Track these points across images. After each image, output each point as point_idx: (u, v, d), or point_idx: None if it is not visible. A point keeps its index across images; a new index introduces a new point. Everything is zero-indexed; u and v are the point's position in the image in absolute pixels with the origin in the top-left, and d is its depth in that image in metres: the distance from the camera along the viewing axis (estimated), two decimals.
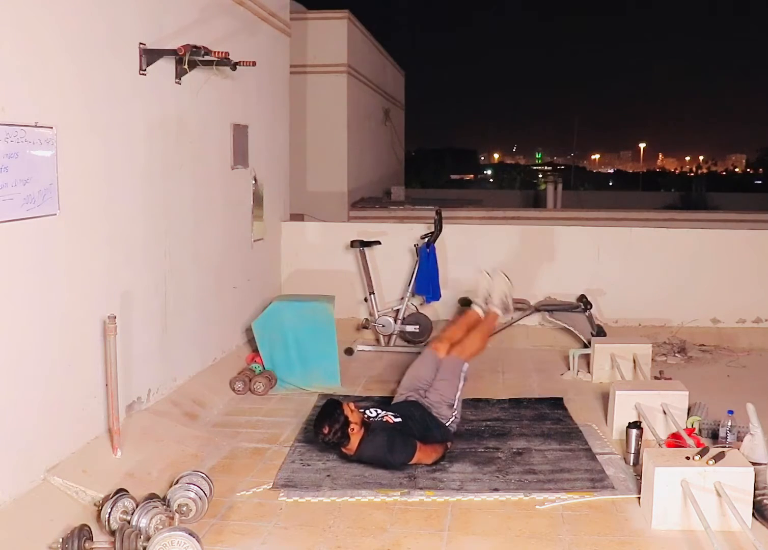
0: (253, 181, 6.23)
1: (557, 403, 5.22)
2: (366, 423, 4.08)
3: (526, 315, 6.79)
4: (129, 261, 4.26)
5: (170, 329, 4.78)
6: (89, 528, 3.13)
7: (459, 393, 4.50)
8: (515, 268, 7.02)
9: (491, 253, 7.10)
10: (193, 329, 5.14)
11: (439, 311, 6.98)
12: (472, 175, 54.68)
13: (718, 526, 3.29)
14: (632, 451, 4.10)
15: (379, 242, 6.96)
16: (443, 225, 6.73)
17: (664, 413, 4.40)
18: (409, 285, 6.78)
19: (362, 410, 4.23)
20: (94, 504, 3.44)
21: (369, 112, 12.61)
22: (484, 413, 5.01)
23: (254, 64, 4.97)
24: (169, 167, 4.71)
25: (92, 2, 3.81)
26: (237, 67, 4.75)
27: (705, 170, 57.22)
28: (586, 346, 6.29)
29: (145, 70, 4.31)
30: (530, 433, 4.62)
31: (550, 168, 55.87)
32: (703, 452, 3.43)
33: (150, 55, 4.31)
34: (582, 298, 6.60)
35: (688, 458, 3.44)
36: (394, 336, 6.75)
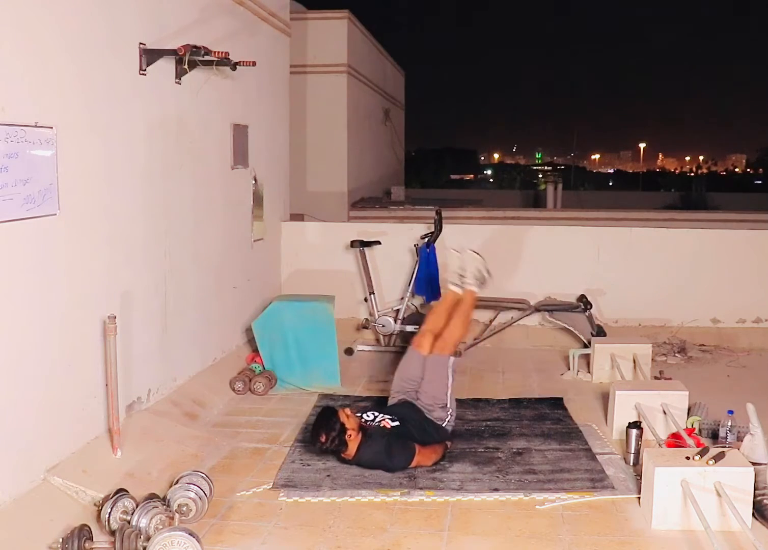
0: (253, 181, 6.23)
1: (557, 403, 5.22)
2: (363, 428, 4.08)
3: (526, 315, 6.79)
4: (129, 261, 4.26)
5: (170, 329, 4.78)
6: (89, 528, 3.13)
7: (450, 391, 4.45)
8: (515, 268, 7.06)
9: (491, 253, 7.09)
10: (193, 329, 5.14)
11: None
12: (472, 175, 54.69)
13: (718, 526, 3.29)
14: (632, 451, 4.10)
15: (379, 242, 6.96)
16: (443, 225, 6.72)
17: (664, 413, 4.40)
18: (409, 285, 6.78)
19: (359, 414, 4.23)
20: (94, 504, 3.44)
21: (369, 112, 12.61)
22: (484, 413, 5.01)
23: (254, 64, 4.97)
24: (169, 167, 4.71)
25: (92, 2, 3.81)
26: (237, 67, 4.75)
27: (705, 170, 57.18)
28: (586, 346, 6.29)
29: (145, 70, 4.31)
30: (530, 433, 4.62)
31: (550, 168, 55.91)
32: (703, 452, 3.43)
33: (150, 55, 4.31)
34: (582, 298, 6.60)
35: (688, 458, 3.44)
36: (394, 336, 6.75)
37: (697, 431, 4.33)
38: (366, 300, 6.90)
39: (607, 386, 5.01)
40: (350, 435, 3.96)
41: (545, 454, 4.28)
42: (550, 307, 6.72)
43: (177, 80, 4.73)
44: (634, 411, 4.47)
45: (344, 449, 3.98)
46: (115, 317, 3.78)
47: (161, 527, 3.18)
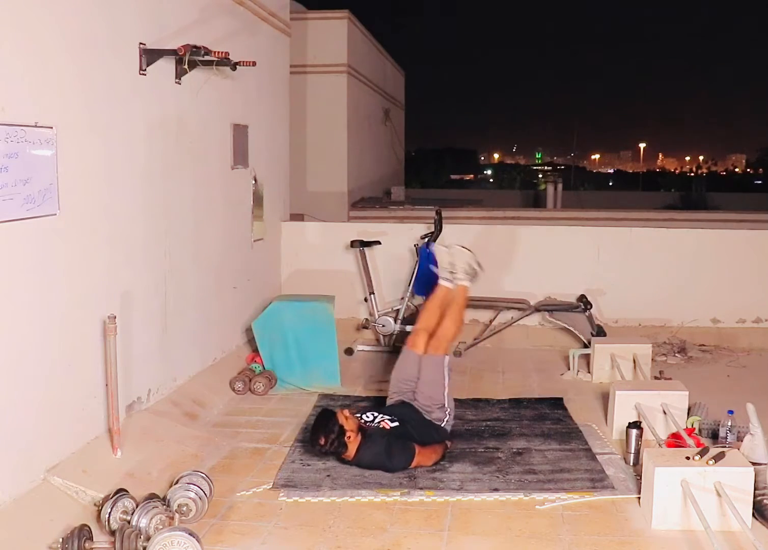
0: (253, 181, 6.23)
1: (557, 403, 5.22)
2: (363, 429, 4.07)
3: (526, 315, 6.79)
4: (129, 261, 4.26)
5: (170, 329, 4.78)
6: (89, 528, 3.13)
7: (447, 390, 4.42)
8: (515, 268, 7.06)
9: (491, 253, 7.11)
10: (193, 329, 5.14)
11: None
12: (472, 175, 54.69)
13: (718, 526, 3.29)
14: (632, 451, 4.10)
15: (379, 242, 6.96)
16: (443, 225, 6.72)
17: (664, 413, 4.40)
18: (409, 285, 6.78)
19: (358, 415, 4.23)
20: (94, 504, 3.44)
21: (369, 112, 12.61)
22: (484, 413, 5.01)
23: (254, 64, 4.97)
24: (169, 167, 4.71)
25: (92, 2, 3.81)
26: (237, 67, 4.75)
27: (705, 170, 57.13)
28: (586, 346, 6.30)
29: (145, 70, 4.31)
30: (530, 433, 4.62)
31: (550, 168, 55.92)
32: (703, 452, 3.43)
33: (150, 55, 4.31)
34: (582, 298, 6.60)
35: (688, 458, 3.44)
36: (394, 336, 6.75)
37: (697, 431, 4.33)
38: (366, 300, 6.90)
39: (607, 386, 5.01)
40: (349, 437, 3.96)
41: (545, 454, 4.28)
42: (550, 307, 6.72)
43: (177, 80, 4.73)
44: (634, 411, 4.47)
45: (344, 451, 3.98)
46: (115, 317, 3.78)
47: (161, 527, 3.18)
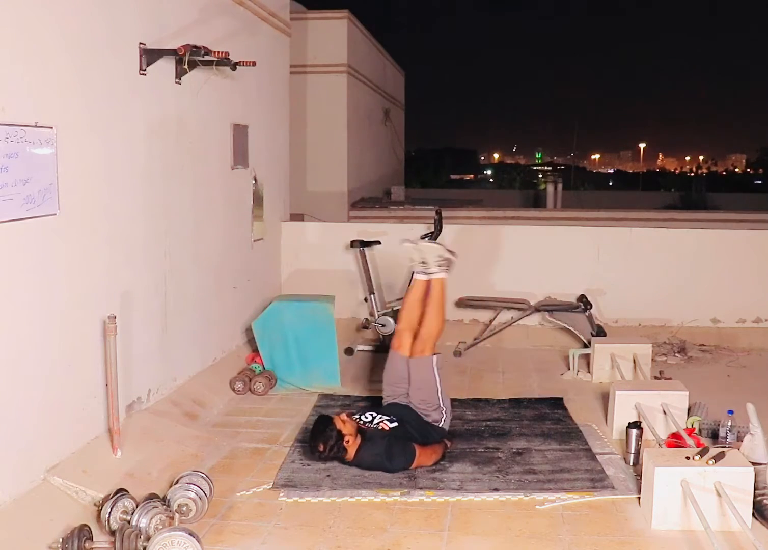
0: (253, 181, 6.23)
1: (557, 403, 5.22)
2: (362, 430, 4.07)
3: (526, 315, 6.80)
4: (129, 261, 4.26)
5: (170, 329, 4.78)
6: (89, 528, 3.13)
7: (440, 390, 4.39)
8: (515, 267, 7.06)
9: (491, 253, 7.12)
10: (193, 329, 5.14)
11: None
12: (472, 175, 54.67)
13: (718, 526, 3.29)
14: (632, 451, 4.10)
15: (379, 242, 6.95)
16: (443, 225, 6.72)
17: (664, 413, 4.40)
18: (409, 285, 6.76)
19: (356, 416, 4.23)
20: (94, 504, 3.45)
21: (369, 112, 12.61)
22: (484, 413, 5.01)
23: (254, 64, 4.97)
24: (169, 167, 4.71)
25: (92, 2, 3.81)
26: (237, 67, 4.75)
27: (705, 170, 57.06)
28: (586, 346, 6.30)
29: (145, 70, 4.31)
30: (530, 433, 4.62)
31: (550, 168, 55.85)
32: (703, 452, 3.43)
33: (150, 55, 4.31)
34: (582, 298, 6.60)
35: (688, 458, 3.44)
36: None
37: (697, 431, 4.33)
38: (366, 300, 6.90)
39: (607, 386, 5.01)
40: (348, 441, 3.95)
41: (545, 454, 4.28)
42: (550, 307, 6.72)
43: (177, 80, 4.73)
44: (634, 411, 4.47)
45: (344, 455, 3.98)
46: (115, 317, 3.78)
47: (161, 527, 3.18)
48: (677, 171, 63.44)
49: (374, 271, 6.96)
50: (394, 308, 6.81)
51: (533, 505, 3.64)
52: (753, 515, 3.37)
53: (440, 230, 6.71)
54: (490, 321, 6.93)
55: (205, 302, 5.34)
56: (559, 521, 3.49)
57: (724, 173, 59.03)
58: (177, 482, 3.48)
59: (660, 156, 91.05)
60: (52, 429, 3.56)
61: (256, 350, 5.80)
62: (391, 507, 3.62)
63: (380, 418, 4.22)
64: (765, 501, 3.44)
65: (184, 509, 3.38)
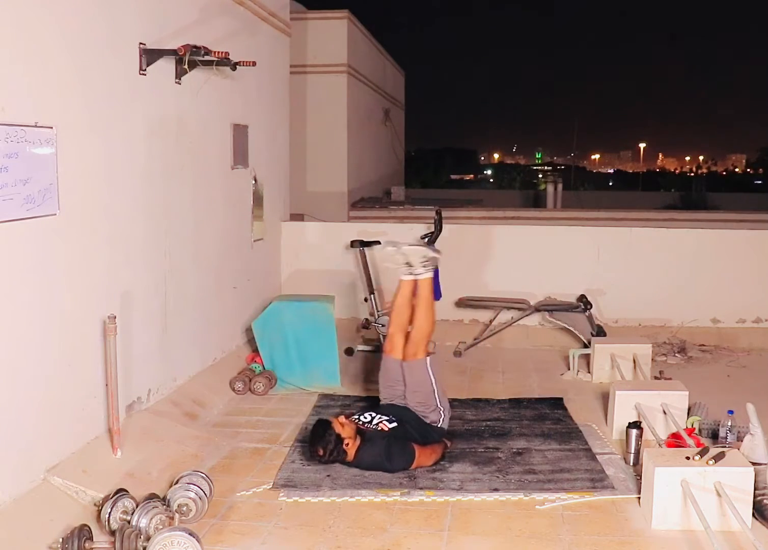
0: (253, 181, 6.23)
1: (557, 403, 5.22)
2: (361, 431, 4.07)
3: (526, 315, 6.79)
4: (129, 261, 4.26)
5: (170, 329, 4.78)
6: (89, 528, 3.13)
7: (436, 391, 4.36)
8: (515, 267, 7.07)
9: (491, 253, 7.12)
10: (193, 329, 5.14)
11: (439, 310, 6.95)
12: (472, 175, 54.67)
13: (718, 526, 3.29)
14: (632, 451, 4.10)
15: (379, 242, 6.93)
16: (443, 225, 6.72)
17: (664, 413, 4.40)
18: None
19: (355, 417, 4.23)
20: (94, 504, 3.45)
21: (369, 112, 12.61)
22: (484, 413, 5.01)
23: (254, 64, 4.97)
24: (169, 167, 4.71)
25: (92, 2, 3.81)
26: (237, 67, 4.75)
27: (705, 170, 57.07)
28: (586, 346, 6.29)
29: (145, 70, 4.31)
30: (530, 433, 4.62)
31: (550, 168, 55.84)
32: (703, 452, 3.43)
33: (150, 55, 4.31)
34: (582, 298, 6.60)
35: (688, 458, 3.44)
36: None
37: (697, 431, 4.33)
38: (366, 300, 6.89)
39: (607, 386, 5.01)
40: (347, 444, 3.96)
41: (545, 454, 4.28)
42: (550, 307, 6.72)
43: (177, 80, 4.73)
44: (634, 411, 4.47)
45: (344, 457, 3.98)
46: (115, 317, 3.78)
47: (161, 527, 3.18)
48: (677, 171, 63.44)
49: (374, 271, 6.95)
50: None
51: (533, 505, 3.64)
52: (753, 515, 3.37)
53: (440, 230, 6.71)
54: (490, 321, 6.93)
55: (205, 302, 5.34)
56: (559, 521, 3.49)
57: (724, 173, 59.04)
58: (177, 482, 3.48)
59: (660, 156, 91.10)
60: (52, 429, 3.56)
61: (256, 350, 5.80)
62: (391, 507, 3.62)
63: (379, 418, 4.22)
64: (765, 501, 3.44)
65: (184, 509, 3.38)
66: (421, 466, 4.02)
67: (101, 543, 3.12)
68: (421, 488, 3.80)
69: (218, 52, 4.53)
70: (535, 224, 9.27)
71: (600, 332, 6.53)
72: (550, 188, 15.76)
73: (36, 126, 3.35)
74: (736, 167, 72.02)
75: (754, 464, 3.52)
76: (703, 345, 6.76)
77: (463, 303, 7.00)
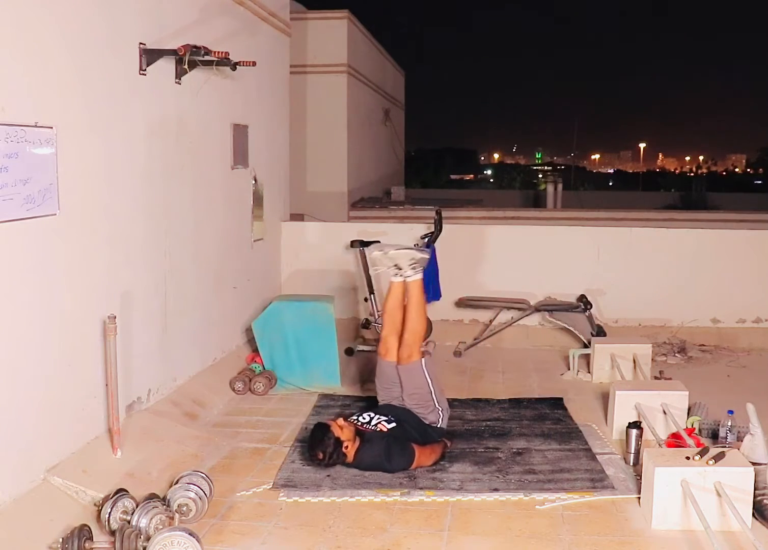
0: (253, 181, 6.23)
1: (557, 403, 5.22)
2: (360, 432, 4.07)
3: (526, 315, 6.79)
4: (129, 261, 4.26)
5: (170, 329, 4.78)
6: (89, 528, 3.14)
7: (434, 392, 4.35)
8: (515, 267, 7.06)
9: (491, 253, 7.12)
10: (193, 329, 5.14)
11: (439, 310, 6.98)
12: (472, 175, 54.65)
13: (718, 526, 3.29)
14: (632, 451, 4.10)
15: (379, 242, 6.94)
16: (443, 225, 6.73)
17: (664, 413, 4.40)
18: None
19: (354, 418, 4.22)
20: (94, 504, 3.45)
21: (369, 112, 12.61)
22: (484, 413, 5.01)
23: (254, 64, 4.97)
24: (169, 167, 4.71)
25: (92, 2, 3.81)
26: (237, 67, 4.75)
27: (705, 170, 57.05)
28: (586, 346, 6.29)
29: (145, 70, 4.31)
30: (530, 433, 4.62)
31: (550, 168, 55.83)
32: (703, 452, 3.43)
33: (150, 55, 4.31)
34: (582, 298, 6.60)
35: (688, 458, 3.44)
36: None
37: (697, 431, 4.33)
38: (366, 300, 6.89)
39: (607, 386, 5.01)
40: (347, 446, 3.95)
41: (545, 454, 4.28)
42: (550, 307, 6.72)
43: (177, 80, 4.73)
44: (634, 411, 4.47)
45: (344, 459, 3.98)
46: (115, 317, 3.78)
47: (161, 527, 3.18)
48: (677, 171, 63.46)
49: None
50: None
51: (533, 505, 3.64)
52: (753, 515, 3.37)
53: (440, 230, 6.72)
54: (490, 321, 6.93)
55: (205, 302, 5.34)
56: (559, 521, 3.49)
57: (724, 173, 59.02)
58: (177, 482, 3.48)
59: (660, 156, 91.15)
60: (52, 429, 3.56)
61: (256, 350, 5.80)
62: (391, 507, 3.62)
63: (378, 419, 4.21)
64: (765, 501, 3.44)
65: (184, 509, 3.38)
66: (421, 466, 4.02)
67: (101, 543, 3.12)
68: (421, 488, 3.80)
69: (218, 52, 4.53)
70: (535, 224, 9.27)
71: (600, 332, 6.53)
72: (550, 188, 15.76)
73: (36, 126, 3.35)
74: (736, 167, 72.03)
75: (754, 464, 3.52)
76: (703, 345, 6.76)
77: (463, 303, 7.00)
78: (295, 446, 4.38)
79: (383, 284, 7.03)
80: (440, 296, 6.76)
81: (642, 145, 77.39)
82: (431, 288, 6.69)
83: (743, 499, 3.30)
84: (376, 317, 6.74)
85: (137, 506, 3.27)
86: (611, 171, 68.78)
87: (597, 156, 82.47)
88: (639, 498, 3.64)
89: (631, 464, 4.09)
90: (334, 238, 7.22)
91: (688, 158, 77.01)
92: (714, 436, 4.39)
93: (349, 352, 6.50)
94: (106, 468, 3.74)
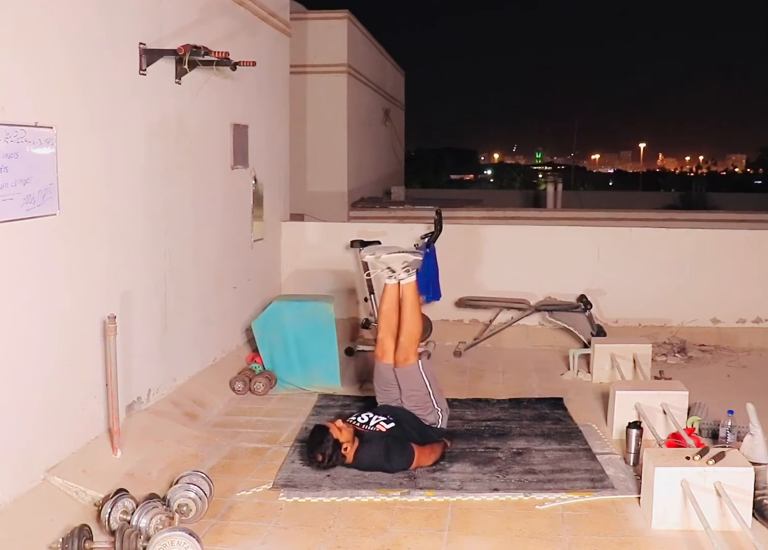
0: (253, 181, 6.23)
1: (557, 403, 5.22)
2: (359, 433, 4.07)
3: (526, 315, 6.80)
4: (129, 261, 4.26)
5: (170, 329, 4.78)
6: (89, 528, 3.13)
7: (432, 392, 4.34)
8: (515, 267, 7.06)
9: (491, 253, 7.12)
10: (193, 329, 5.14)
11: (439, 310, 6.98)
12: (472, 175, 54.64)
13: (718, 526, 3.29)
14: (632, 451, 4.10)
15: (379, 242, 6.94)
16: (443, 225, 6.73)
17: (664, 413, 4.40)
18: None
19: (353, 418, 4.22)
20: (94, 504, 3.45)
21: (369, 112, 12.61)
22: (484, 413, 5.01)
23: (254, 64, 4.97)
24: (169, 167, 4.71)
25: (92, 2, 3.81)
26: (237, 67, 4.75)
27: (705, 170, 57.04)
28: (586, 346, 6.30)
29: (145, 70, 4.31)
30: (530, 433, 4.62)
31: (550, 168, 55.82)
32: (703, 452, 3.43)
33: (150, 55, 4.31)
34: (582, 298, 6.60)
35: (688, 458, 3.44)
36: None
37: (697, 431, 4.33)
38: (366, 300, 6.89)
39: (607, 386, 5.01)
40: (346, 448, 3.95)
41: (545, 454, 4.28)
42: (550, 307, 6.72)
43: (177, 80, 4.73)
44: (634, 411, 4.47)
45: (343, 461, 3.98)
46: (115, 317, 3.78)
47: (161, 527, 3.18)
48: (677, 171, 63.45)
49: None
50: None
51: (533, 505, 3.64)
52: (753, 515, 3.37)
53: (440, 230, 6.72)
54: (490, 321, 6.93)
55: (205, 302, 5.34)
56: (559, 521, 3.49)
57: (724, 173, 59.03)
58: (177, 482, 3.48)
59: (660, 156, 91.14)
60: (52, 429, 3.56)
61: (256, 350, 5.80)
62: (391, 507, 3.62)
63: (377, 419, 4.21)
64: (765, 501, 3.44)
65: (184, 509, 3.38)
66: (420, 466, 4.02)
67: (101, 543, 3.12)
68: (421, 488, 3.80)
69: (218, 52, 4.53)
70: (535, 224, 9.28)
71: (600, 332, 6.53)
72: (550, 188, 15.77)
73: (36, 126, 3.35)
74: (736, 167, 72.01)
75: (754, 464, 3.52)
76: (703, 345, 6.76)
77: (463, 303, 7.00)
78: (295, 446, 4.38)
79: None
80: (440, 296, 6.76)
81: (642, 145, 77.52)
82: (431, 288, 6.69)
83: (743, 499, 3.30)
84: (376, 316, 6.74)
85: (137, 506, 3.27)
86: (611, 171, 68.76)
87: (597, 156, 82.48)
88: (639, 498, 3.64)
89: (631, 464, 4.09)
90: (334, 238, 7.22)
91: (688, 158, 77.05)
92: (714, 436, 4.39)
93: (349, 352, 6.50)
94: (106, 468, 3.74)
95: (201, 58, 4.52)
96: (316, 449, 3.95)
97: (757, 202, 17.87)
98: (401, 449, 4.00)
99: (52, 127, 3.46)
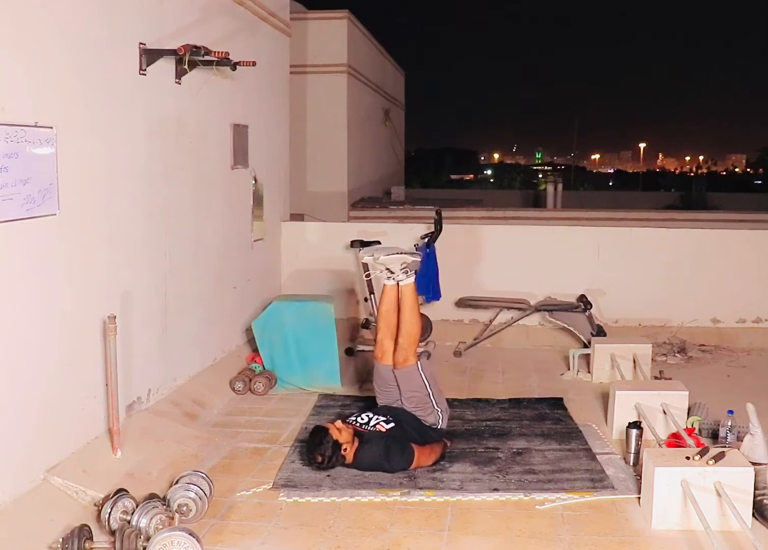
0: (253, 181, 6.23)
1: (557, 403, 5.22)
2: (359, 433, 4.07)
3: (526, 315, 6.80)
4: (129, 261, 4.26)
5: (170, 329, 4.78)
6: (89, 528, 3.13)
7: (431, 393, 4.34)
8: (515, 267, 7.06)
9: (491, 253, 7.12)
10: (193, 329, 5.14)
11: (439, 310, 6.98)
12: (472, 175, 54.63)
13: (718, 526, 3.29)
14: (632, 451, 4.10)
15: (379, 242, 6.93)
16: (443, 225, 6.72)
17: (664, 413, 4.40)
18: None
19: (353, 418, 4.22)
20: (94, 504, 3.44)
21: (369, 112, 12.61)
22: (484, 413, 5.01)
23: (254, 64, 4.97)
24: (169, 167, 4.71)
25: (92, 2, 3.81)
26: (237, 67, 4.75)
27: (705, 170, 57.00)
28: (586, 346, 6.30)
29: (145, 70, 4.31)
30: (530, 433, 4.62)
31: (550, 168, 55.82)
32: (703, 452, 3.43)
33: (150, 55, 4.31)
34: (582, 298, 6.60)
35: (688, 458, 3.44)
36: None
37: (697, 431, 4.33)
38: (366, 300, 6.89)
39: (607, 386, 5.01)
40: (345, 449, 3.96)
41: (545, 454, 4.28)
42: (550, 307, 6.72)
43: (177, 80, 4.73)
44: (634, 411, 4.47)
45: (343, 461, 3.98)
46: (115, 317, 3.78)
47: (161, 527, 3.18)
48: (677, 171, 63.42)
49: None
50: None
51: (533, 505, 3.64)
52: (753, 515, 3.37)
53: (440, 230, 6.72)
54: (490, 321, 6.93)
55: (205, 302, 5.34)
56: (559, 521, 3.49)
57: (724, 173, 59.01)
58: (177, 482, 3.48)
59: (660, 156, 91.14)
60: (52, 429, 3.56)
61: (256, 350, 5.80)
62: (391, 507, 3.62)
63: (377, 419, 4.21)
64: (765, 501, 3.44)
65: (184, 509, 3.38)
66: (420, 466, 4.02)
67: (101, 543, 3.12)
68: (421, 488, 3.80)
69: (218, 52, 4.53)
70: (535, 224, 9.27)
71: (600, 332, 6.53)
72: (550, 188, 15.76)
73: (36, 126, 3.35)
74: (736, 167, 72.01)
75: (754, 464, 3.52)
76: (703, 345, 6.76)
77: (463, 303, 7.00)
78: (295, 446, 4.38)
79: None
80: (440, 296, 6.76)
81: (642, 145, 77.54)
82: (431, 288, 6.69)
83: (743, 499, 3.30)
84: (376, 317, 6.74)
85: (137, 506, 3.27)
86: (611, 171, 68.75)
87: (597, 156, 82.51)
88: (639, 498, 3.64)
89: (631, 464, 4.09)
90: (334, 238, 7.22)
91: (688, 158, 77.05)
92: (714, 436, 4.39)
93: (349, 352, 6.50)
94: (106, 468, 3.74)
95: (201, 58, 4.52)
96: (316, 450, 3.95)
97: (757, 202, 17.86)
98: (401, 449, 4.00)
99: (52, 127, 3.46)
